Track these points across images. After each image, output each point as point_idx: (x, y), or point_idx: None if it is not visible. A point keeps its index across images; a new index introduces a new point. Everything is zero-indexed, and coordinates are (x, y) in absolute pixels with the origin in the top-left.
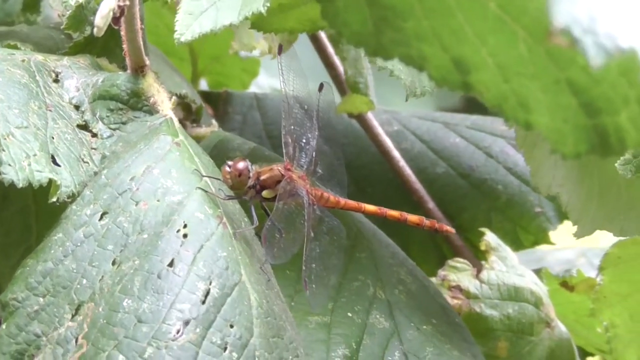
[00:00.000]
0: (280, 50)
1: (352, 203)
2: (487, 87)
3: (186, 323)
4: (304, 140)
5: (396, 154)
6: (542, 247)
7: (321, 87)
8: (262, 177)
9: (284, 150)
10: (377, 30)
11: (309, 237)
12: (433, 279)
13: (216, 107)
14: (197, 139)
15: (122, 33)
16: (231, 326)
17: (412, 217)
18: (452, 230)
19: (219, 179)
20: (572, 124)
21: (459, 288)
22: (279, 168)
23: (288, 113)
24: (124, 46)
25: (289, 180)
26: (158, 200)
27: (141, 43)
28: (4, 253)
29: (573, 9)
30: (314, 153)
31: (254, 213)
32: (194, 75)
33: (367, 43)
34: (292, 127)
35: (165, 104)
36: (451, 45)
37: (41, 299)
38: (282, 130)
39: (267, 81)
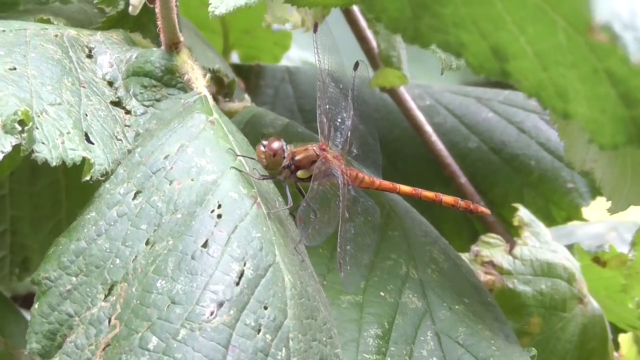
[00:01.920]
0: (316, 28)
1: (386, 184)
2: (525, 75)
3: (220, 305)
4: (339, 120)
5: (428, 128)
6: (573, 222)
7: (356, 65)
8: (297, 157)
9: (318, 130)
10: (415, 16)
11: (344, 218)
12: (465, 255)
13: (248, 81)
14: (230, 114)
15: (157, 10)
16: (265, 308)
17: (447, 198)
18: (488, 211)
19: (253, 158)
20: (610, 114)
21: (492, 264)
22: (314, 148)
23: (323, 92)
24: (158, 23)
25: (324, 161)
26: (192, 180)
27: (175, 20)
28: (33, 227)
29: (614, 4)
30: (349, 132)
31: (288, 193)
32: (226, 48)
33: (405, 29)
34: (327, 106)
35: (200, 81)
36: (489, 33)
37: (74, 279)
38: (317, 109)
39: (298, 54)
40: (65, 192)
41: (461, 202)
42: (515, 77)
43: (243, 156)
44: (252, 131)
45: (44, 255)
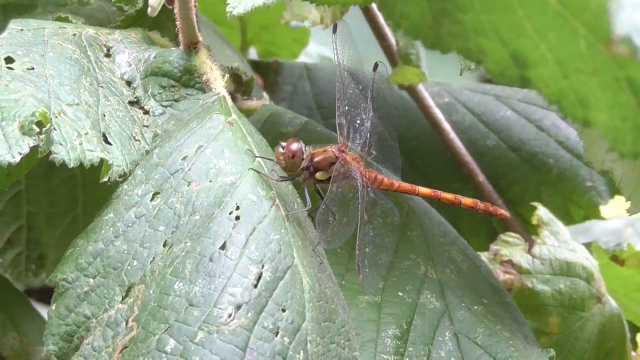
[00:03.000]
0: (336, 29)
1: (406, 186)
2: (546, 83)
3: (238, 307)
4: (358, 121)
5: (447, 126)
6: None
7: (376, 67)
8: (316, 159)
9: (338, 132)
10: (436, 23)
11: (363, 221)
12: (484, 254)
13: (266, 77)
14: (248, 113)
15: (176, 11)
16: (283, 310)
17: (467, 201)
18: (507, 214)
19: (272, 160)
20: (631, 123)
21: (511, 263)
22: (334, 150)
23: (343, 94)
24: (177, 23)
25: (344, 163)
26: (210, 181)
27: (195, 20)
28: (50, 223)
29: (634, 17)
30: (368, 134)
31: (307, 195)
32: (244, 44)
33: (426, 35)
34: (347, 108)
35: (219, 82)
36: (510, 40)
37: (91, 280)
38: (336, 111)
39: (316, 50)
40: (82, 188)
41: (481, 205)
42: (536, 84)
43: (262, 158)
44: (271, 130)
45: (60, 252)
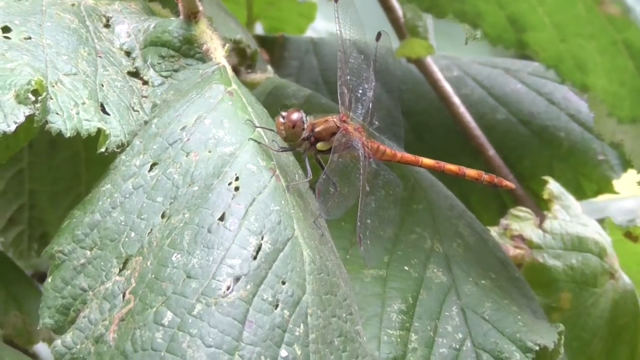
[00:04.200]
0: None
1: (408, 156)
2: (543, 46)
3: (237, 279)
4: (360, 91)
5: (456, 100)
6: (605, 197)
7: (379, 36)
8: (317, 129)
9: (339, 101)
10: None
11: (364, 192)
12: (494, 229)
13: (272, 52)
14: (252, 85)
15: None
16: (283, 283)
17: (471, 172)
18: (512, 185)
19: (272, 130)
20: (629, 87)
21: (521, 238)
22: (334, 119)
23: (344, 63)
24: None
25: (345, 132)
26: (209, 152)
27: None
28: (52, 201)
29: None
30: (370, 104)
31: (307, 165)
32: (249, 20)
33: None
34: (348, 77)
35: (219, 52)
36: (507, 3)
37: (88, 252)
38: (337, 80)
39: (324, 25)
40: (85, 165)
41: (485, 176)
42: (533, 48)
43: (262, 128)
44: (274, 102)
45: None
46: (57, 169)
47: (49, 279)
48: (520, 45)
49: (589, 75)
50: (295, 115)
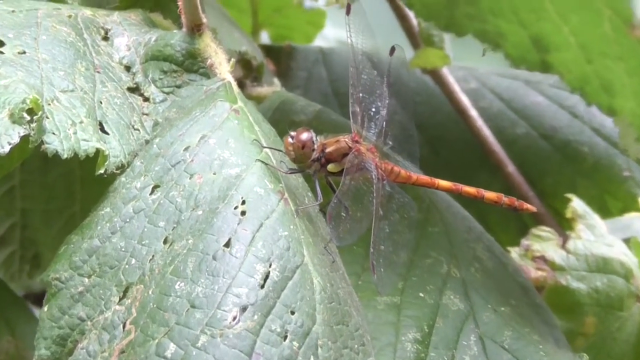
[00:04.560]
0: (349, 10)
1: (424, 178)
2: (568, 67)
3: (243, 309)
4: (373, 109)
5: (473, 113)
6: (630, 214)
7: (392, 50)
8: (328, 150)
9: (351, 120)
10: (450, 3)
11: (378, 216)
12: (514, 250)
13: (278, 63)
14: (258, 100)
15: None
16: (292, 313)
17: (490, 195)
18: (534, 208)
19: (280, 151)
20: None
21: (543, 259)
22: (346, 140)
23: (356, 80)
24: (179, 3)
25: (357, 153)
26: (214, 174)
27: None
28: (45, 221)
29: None
30: (384, 123)
31: (318, 188)
32: (254, 28)
33: (439, 16)
34: (361, 94)
35: (224, 67)
36: (530, 22)
37: (86, 280)
38: (349, 98)
39: (333, 33)
40: (80, 183)
41: (505, 199)
42: (558, 69)
43: (270, 148)
44: (282, 119)
45: (56, 251)
46: (50, 187)
47: (45, 308)
48: (544, 66)
49: (617, 98)
50: (304, 135)
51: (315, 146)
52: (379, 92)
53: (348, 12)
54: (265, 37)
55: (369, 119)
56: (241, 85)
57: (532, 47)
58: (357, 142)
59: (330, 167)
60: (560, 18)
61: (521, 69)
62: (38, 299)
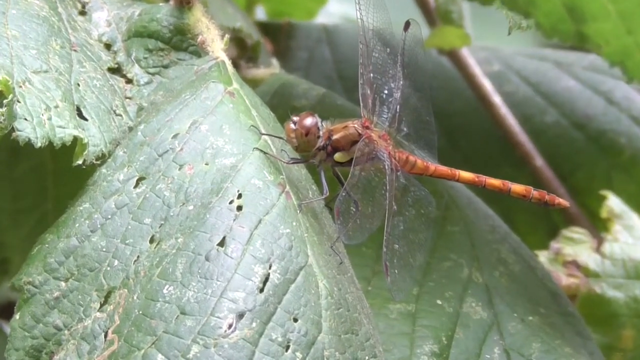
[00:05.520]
0: None
1: (443, 169)
2: (606, 39)
3: (240, 316)
4: (385, 92)
5: (496, 99)
6: None
7: (407, 25)
8: (335, 137)
9: (361, 104)
10: None
11: (391, 211)
12: (543, 253)
13: (277, 42)
14: (254, 83)
15: None
16: (295, 320)
17: (517, 188)
18: (567, 203)
19: (281, 138)
20: None
21: (575, 264)
22: (356, 125)
23: (367, 58)
24: None
25: (368, 141)
26: (207, 164)
27: None
28: (13, 220)
29: None
30: (397, 107)
31: (323, 180)
32: (249, 2)
33: None
34: (372, 75)
35: (216, 44)
36: None
37: (63, 284)
38: (359, 79)
39: (338, 8)
40: (52, 177)
41: (534, 192)
42: (595, 41)
43: (269, 135)
44: (281, 104)
45: (26, 254)
46: (18, 182)
47: (17, 316)
48: (580, 37)
49: None
50: (308, 121)
51: (321, 133)
52: (392, 73)
53: None
54: (261, 13)
55: (381, 103)
56: (235, 66)
57: (567, 16)
58: (367, 128)
59: (338, 156)
60: None
61: (554, 41)
62: (2, 311)
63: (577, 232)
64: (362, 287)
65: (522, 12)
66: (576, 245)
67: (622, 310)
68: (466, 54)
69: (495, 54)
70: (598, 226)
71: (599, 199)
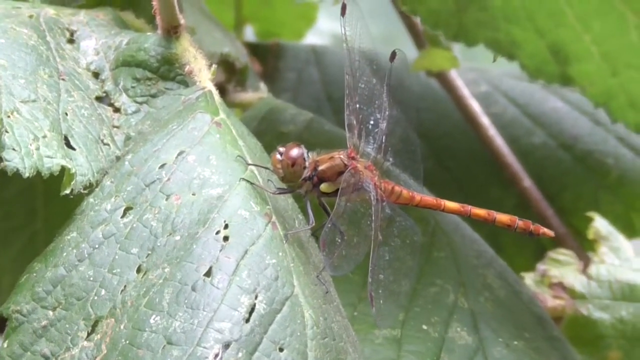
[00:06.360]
0: (344, 10)
1: (429, 199)
2: (590, 80)
3: (226, 346)
4: (372, 122)
5: (484, 120)
6: None
7: (393, 56)
8: (321, 167)
9: (347, 135)
10: (459, 9)
11: (377, 242)
12: (530, 275)
13: (265, 63)
14: (242, 107)
15: None
16: (281, 350)
17: (502, 217)
18: (551, 233)
19: (268, 168)
20: None
21: (561, 286)
22: (341, 156)
23: (353, 89)
24: (154, 2)
25: (353, 172)
26: (193, 194)
27: None
28: (3, 240)
29: None
30: (383, 137)
31: (309, 210)
32: (238, 22)
33: (447, 24)
34: (358, 105)
35: (204, 74)
36: (548, 30)
37: (50, 313)
38: (345, 109)
39: (328, 25)
40: (42, 198)
41: (519, 222)
42: (579, 82)
43: (256, 165)
44: (269, 130)
45: (16, 275)
46: (9, 202)
47: (5, 344)
48: (565, 79)
49: None
50: (295, 152)
51: (307, 163)
52: (379, 103)
53: (343, 13)
54: (250, 33)
55: (367, 133)
56: (223, 90)
57: (551, 58)
58: (353, 158)
59: (324, 187)
60: (581, 25)
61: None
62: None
63: (563, 254)
64: (348, 313)
65: (506, 54)
66: (562, 267)
67: (609, 332)
68: (454, 75)
69: (483, 75)
70: (585, 246)
71: (586, 220)
